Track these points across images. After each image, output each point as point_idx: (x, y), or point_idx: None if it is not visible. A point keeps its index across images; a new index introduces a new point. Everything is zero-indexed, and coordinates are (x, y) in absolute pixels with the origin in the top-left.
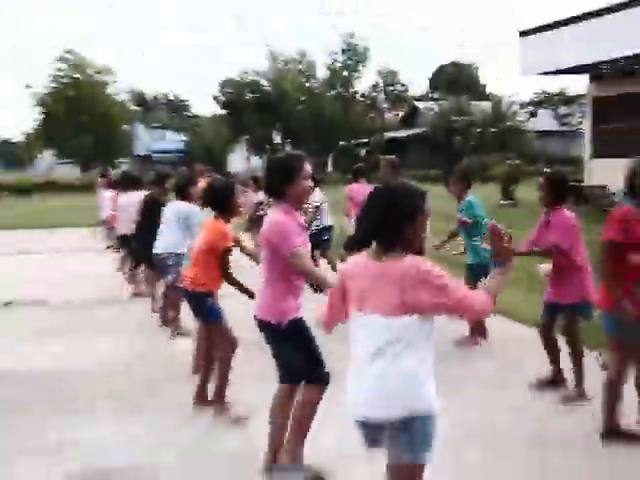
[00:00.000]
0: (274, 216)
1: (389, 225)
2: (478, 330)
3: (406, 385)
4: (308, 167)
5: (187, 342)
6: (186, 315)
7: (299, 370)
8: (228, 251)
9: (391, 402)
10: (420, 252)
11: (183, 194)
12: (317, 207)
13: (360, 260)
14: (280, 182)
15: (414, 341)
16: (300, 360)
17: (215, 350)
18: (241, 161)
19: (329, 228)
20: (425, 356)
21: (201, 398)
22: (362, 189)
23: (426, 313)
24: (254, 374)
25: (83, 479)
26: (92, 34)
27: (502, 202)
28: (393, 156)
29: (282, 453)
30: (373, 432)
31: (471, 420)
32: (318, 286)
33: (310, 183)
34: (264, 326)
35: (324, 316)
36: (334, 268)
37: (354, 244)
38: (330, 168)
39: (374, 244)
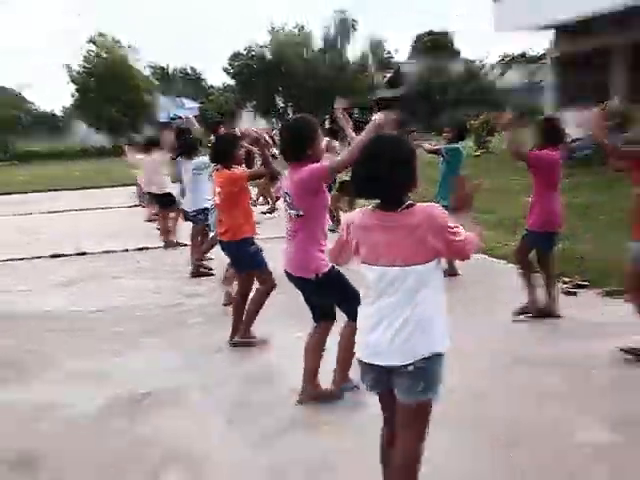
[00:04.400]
0: None
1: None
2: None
3: (426, 328)
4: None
5: (215, 285)
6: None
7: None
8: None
9: (414, 346)
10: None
11: None
12: None
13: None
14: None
15: (432, 284)
16: None
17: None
18: (249, 124)
19: None
20: (440, 298)
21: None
22: None
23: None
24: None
25: (127, 400)
26: (120, 17)
27: (475, 153)
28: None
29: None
30: (381, 375)
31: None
32: None
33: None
34: None
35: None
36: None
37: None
38: (328, 125)
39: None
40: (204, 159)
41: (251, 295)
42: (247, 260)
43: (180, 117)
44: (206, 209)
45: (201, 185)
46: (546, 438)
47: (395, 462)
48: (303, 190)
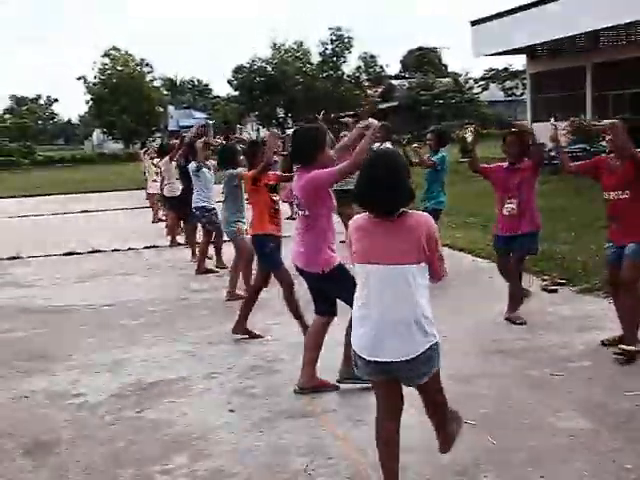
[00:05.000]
0: None
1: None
2: None
3: (424, 325)
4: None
5: (219, 281)
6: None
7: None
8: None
9: (414, 343)
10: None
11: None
12: None
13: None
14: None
15: (424, 283)
16: None
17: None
18: (252, 132)
19: None
20: (427, 294)
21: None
22: None
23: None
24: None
25: (136, 389)
26: (134, 34)
27: (461, 159)
28: (387, 122)
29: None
30: (379, 367)
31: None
32: None
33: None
34: None
35: None
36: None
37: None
38: None
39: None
40: (194, 164)
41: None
42: (263, 258)
43: (191, 126)
44: (203, 208)
45: (198, 186)
46: (527, 425)
47: (433, 414)
48: (309, 192)
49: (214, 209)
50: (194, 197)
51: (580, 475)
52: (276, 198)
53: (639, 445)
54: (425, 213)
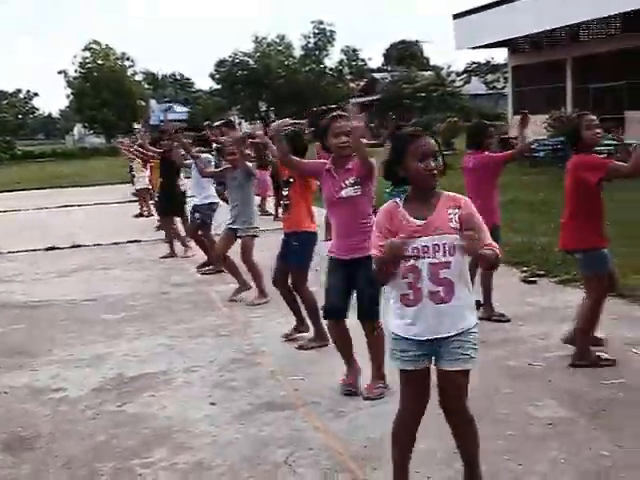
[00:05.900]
0: None
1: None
2: None
3: None
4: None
5: (204, 276)
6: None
7: None
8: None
9: None
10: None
11: None
12: None
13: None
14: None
15: None
16: None
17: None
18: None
19: None
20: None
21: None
22: None
23: None
24: None
25: (117, 383)
26: (119, 32)
27: (444, 152)
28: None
29: None
30: None
31: None
32: None
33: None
34: None
35: None
36: None
37: None
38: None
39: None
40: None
41: None
42: None
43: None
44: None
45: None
46: (506, 414)
47: None
48: None
49: (201, 205)
50: None
51: (556, 462)
52: (285, 193)
53: (616, 433)
54: (384, 208)
